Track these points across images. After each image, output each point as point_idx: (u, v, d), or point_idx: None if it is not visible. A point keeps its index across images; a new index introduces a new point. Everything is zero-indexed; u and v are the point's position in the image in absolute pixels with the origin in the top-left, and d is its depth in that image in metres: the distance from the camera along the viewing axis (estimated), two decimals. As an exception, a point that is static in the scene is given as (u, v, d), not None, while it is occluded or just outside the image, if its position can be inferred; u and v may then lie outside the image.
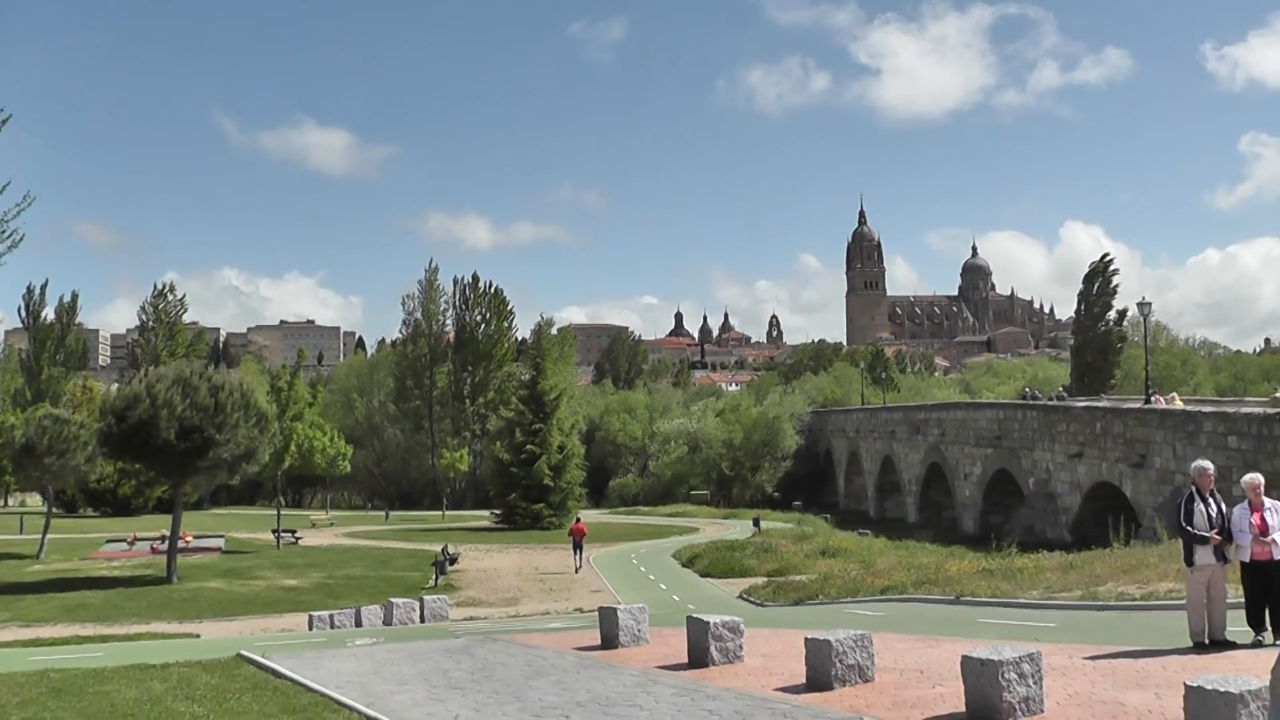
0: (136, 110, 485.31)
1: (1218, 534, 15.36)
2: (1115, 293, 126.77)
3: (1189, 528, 15.56)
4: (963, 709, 12.47)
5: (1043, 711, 12.11)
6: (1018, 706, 11.90)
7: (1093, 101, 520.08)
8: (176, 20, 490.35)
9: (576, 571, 61.45)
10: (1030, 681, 12.03)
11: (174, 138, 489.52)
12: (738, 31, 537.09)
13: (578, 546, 63.78)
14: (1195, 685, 9.43)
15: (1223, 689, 9.27)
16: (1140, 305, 65.24)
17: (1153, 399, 61.98)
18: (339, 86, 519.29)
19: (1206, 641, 15.39)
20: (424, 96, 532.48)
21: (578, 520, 70.86)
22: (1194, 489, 15.93)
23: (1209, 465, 16.19)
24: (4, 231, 49.06)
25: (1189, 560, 15.64)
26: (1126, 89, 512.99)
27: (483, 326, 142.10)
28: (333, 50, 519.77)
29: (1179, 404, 59.50)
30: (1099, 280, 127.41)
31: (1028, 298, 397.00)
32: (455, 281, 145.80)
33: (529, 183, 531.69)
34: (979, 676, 12.16)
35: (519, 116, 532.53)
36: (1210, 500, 15.69)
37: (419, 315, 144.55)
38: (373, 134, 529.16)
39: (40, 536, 71.04)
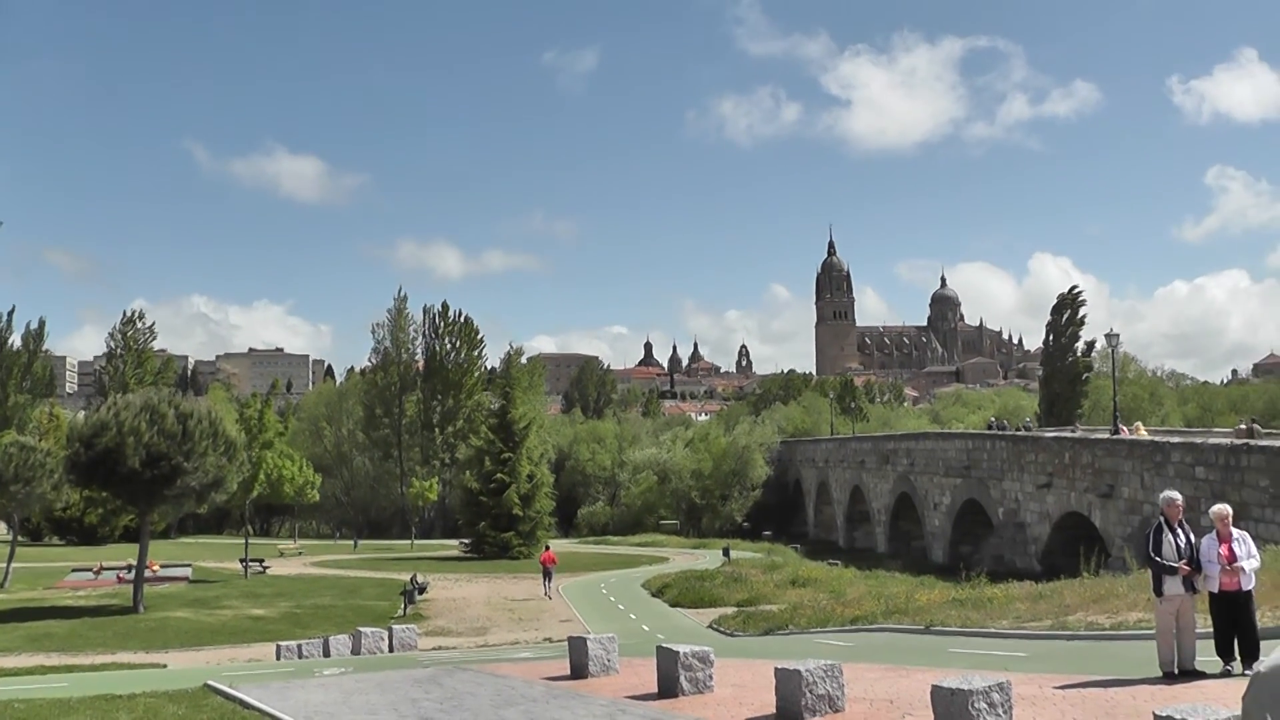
0: (108, 136, 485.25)
1: (1186, 564, 15.37)
2: (1083, 323, 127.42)
3: (1157, 558, 15.57)
4: (933, 739, 12.45)
5: (1013, 742, 12.10)
6: (988, 736, 11.88)
7: (1062, 134, 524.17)
8: (149, 47, 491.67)
9: (548, 598, 61.94)
10: (1000, 711, 12.02)
11: (145, 164, 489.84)
12: (710, 61, 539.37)
13: (547, 575, 64.87)
14: (1165, 715, 9.41)
15: (1191, 719, 9.27)
16: (1109, 336, 65.60)
17: (1119, 431, 62.19)
18: (311, 114, 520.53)
19: (1176, 671, 15.36)
20: (396, 124, 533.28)
21: (547, 548, 72.26)
22: (1163, 519, 15.96)
23: (1177, 496, 16.24)
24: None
25: (1158, 590, 15.67)
26: (1095, 121, 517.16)
27: (453, 355, 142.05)
28: (305, 78, 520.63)
29: (1144, 434, 59.81)
30: (1067, 311, 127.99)
31: (996, 328, 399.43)
32: (425, 310, 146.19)
33: (500, 211, 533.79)
34: (949, 706, 12.14)
35: (491, 145, 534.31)
36: (1179, 531, 15.71)
37: (388, 344, 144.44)
38: (344, 162, 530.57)
39: (4, 565, 70.52)
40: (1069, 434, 69.64)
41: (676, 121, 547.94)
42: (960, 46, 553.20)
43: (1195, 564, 15.36)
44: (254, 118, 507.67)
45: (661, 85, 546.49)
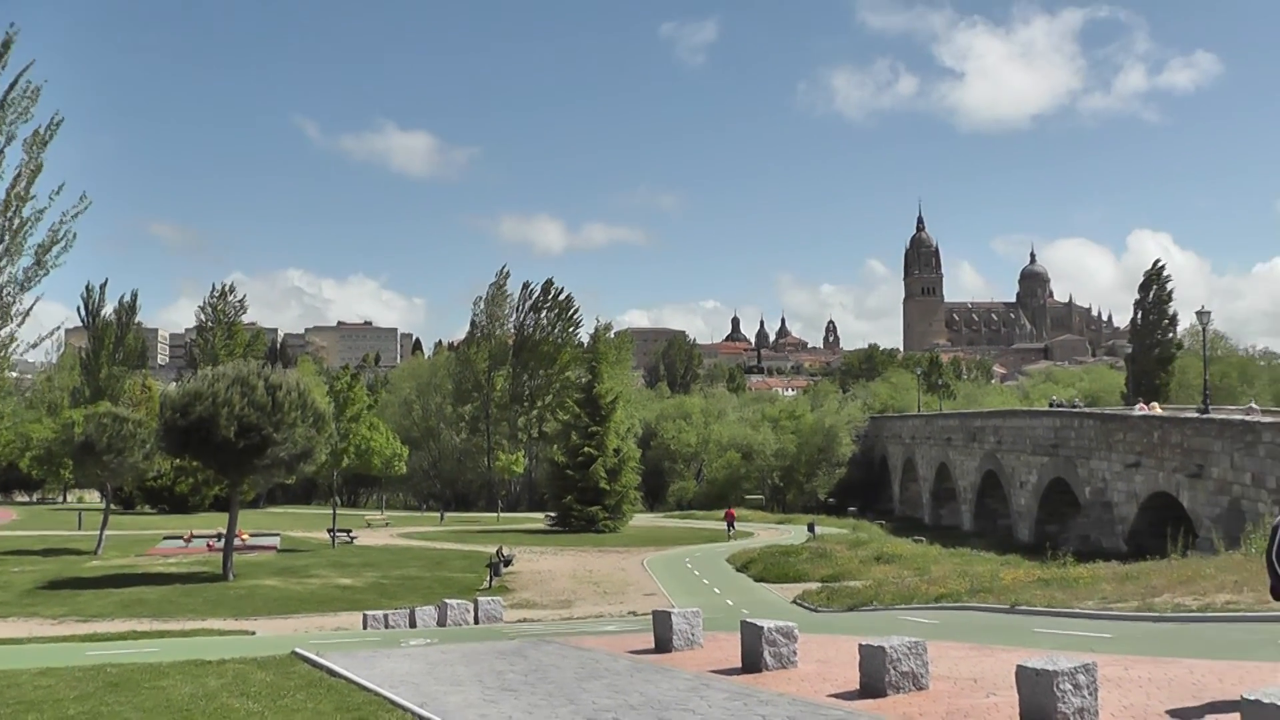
0: (221, 113, 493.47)
1: None
2: (1170, 300, 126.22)
3: (1275, 563, 13.35)
4: (1017, 719, 12.41)
5: (1097, 722, 12.03)
6: (1072, 717, 11.82)
7: (1179, 105, 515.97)
8: (261, 25, 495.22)
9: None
10: (1085, 693, 11.95)
11: (256, 140, 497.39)
12: (829, 33, 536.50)
13: (730, 524, 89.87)
14: (1253, 699, 9.33)
15: (1280, 702, 9.16)
16: (1199, 314, 64.74)
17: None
18: (424, 89, 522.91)
19: None
20: (509, 98, 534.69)
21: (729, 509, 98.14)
22: None
23: None
24: (60, 233, 49.87)
25: (1277, 596, 13.57)
26: (1213, 93, 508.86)
27: (550, 331, 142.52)
28: (418, 53, 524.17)
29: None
30: (1154, 288, 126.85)
31: (1086, 305, 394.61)
32: (524, 286, 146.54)
33: (605, 185, 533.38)
34: (1034, 687, 12.10)
35: (602, 118, 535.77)
36: None
37: (484, 319, 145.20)
38: (456, 136, 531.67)
39: (98, 533, 71.74)
40: (1156, 413, 68.79)
41: (788, 93, 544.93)
42: (1080, 17, 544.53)
43: None
44: (366, 94, 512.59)
45: (778, 57, 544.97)
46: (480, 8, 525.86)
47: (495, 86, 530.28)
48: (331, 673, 20.60)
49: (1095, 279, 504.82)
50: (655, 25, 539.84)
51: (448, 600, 41.29)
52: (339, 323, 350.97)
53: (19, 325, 50.42)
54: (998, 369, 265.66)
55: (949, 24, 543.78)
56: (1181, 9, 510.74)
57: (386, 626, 39.69)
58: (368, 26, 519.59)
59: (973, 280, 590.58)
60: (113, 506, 78.18)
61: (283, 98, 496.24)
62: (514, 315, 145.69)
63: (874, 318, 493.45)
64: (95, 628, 40.70)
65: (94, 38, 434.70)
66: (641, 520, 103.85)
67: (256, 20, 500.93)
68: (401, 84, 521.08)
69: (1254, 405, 66.98)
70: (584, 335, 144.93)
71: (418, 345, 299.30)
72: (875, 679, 15.05)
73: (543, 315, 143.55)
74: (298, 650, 24.43)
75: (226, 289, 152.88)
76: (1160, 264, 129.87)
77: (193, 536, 75.73)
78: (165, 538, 77.83)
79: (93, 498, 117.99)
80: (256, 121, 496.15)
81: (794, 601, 46.97)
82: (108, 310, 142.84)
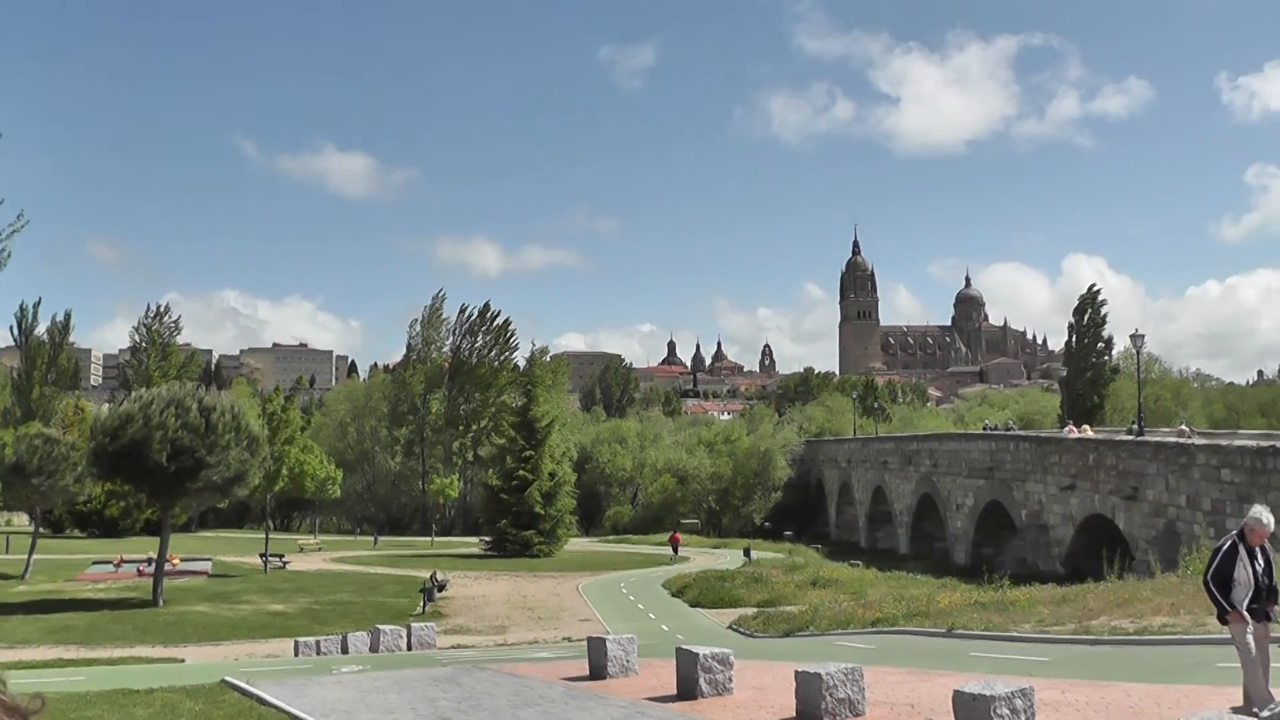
0: (158, 129, 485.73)
1: (1244, 608, 13.08)
2: (1104, 323, 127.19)
3: (1211, 588, 13.29)
4: (955, 745, 12.29)
5: (1036, 749, 11.93)
6: (1011, 744, 11.72)
7: (1112, 131, 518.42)
8: (201, 42, 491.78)
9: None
10: (1022, 717, 11.88)
11: (194, 159, 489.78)
12: (766, 58, 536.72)
13: (675, 548, 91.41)
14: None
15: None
16: (1133, 337, 65.35)
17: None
18: (361, 110, 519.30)
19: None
20: (447, 119, 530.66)
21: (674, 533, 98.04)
22: (1236, 538, 13.44)
23: (1269, 519, 13.52)
24: (-1, 250, 49.22)
25: (1222, 618, 13.37)
26: (1146, 119, 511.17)
27: (486, 355, 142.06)
28: (356, 73, 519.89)
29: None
30: (1088, 311, 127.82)
31: (1021, 329, 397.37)
32: (461, 310, 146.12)
33: (543, 207, 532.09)
34: (971, 712, 12.00)
35: (540, 141, 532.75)
36: (1259, 556, 13.32)
37: (419, 341, 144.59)
38: (393, 157, 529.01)
39: (26, 557, 70.82)
40: (1091, 436, 69.26)
41: (725, 117, 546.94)
42: (1015, 44, 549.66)
43: (1273, 593, 13.29)
44: (304, 115, 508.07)
45: (715, 81, 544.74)
46: (421, 30, 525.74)
47: (434, 108, 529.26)
48: (262, 701, 20.32)
49: (1030, 303, 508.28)
50: (594, 48, 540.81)
51: (380, 626, 41.07)
52: (274, 344, 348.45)
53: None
54: (933, 392, 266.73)
55: (885, 50, 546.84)
56: (1114, 36, 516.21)
57: (318, 653, 39.44)
58: (308, 46, 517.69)
59: (909, 304, 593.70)
60: (41, 530, 77.16)
61: (222, 117, 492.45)
62: (450, 338, 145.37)
63: (810, 341, 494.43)
64: (21, 655, 40.18)
65: (32, 53, 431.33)
66: (577, 545, 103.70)
67: (196, 39, 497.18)
68: (341, 104, 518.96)
69: (1185, 427, 67.54)
70: (520, 359, 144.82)
71: (353, 368, 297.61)
72: (812, 706, 14.93)
73: (479, 338, 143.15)
74: (228, 679, 24.13)
75: (161, 309, 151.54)
76: (1095, 288, 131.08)
77: (123, 561, 74.92)
78: (94, 562, 77.10)
79: (21, 520, 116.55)
80: (195, 140, 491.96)
81: (730, 627, 46.91)
82: (41, 330, 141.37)
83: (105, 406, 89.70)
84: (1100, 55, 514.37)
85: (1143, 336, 64.91)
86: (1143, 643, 22.45)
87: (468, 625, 51.75)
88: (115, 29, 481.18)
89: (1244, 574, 13.19)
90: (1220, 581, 13.20)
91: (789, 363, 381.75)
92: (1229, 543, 13.46)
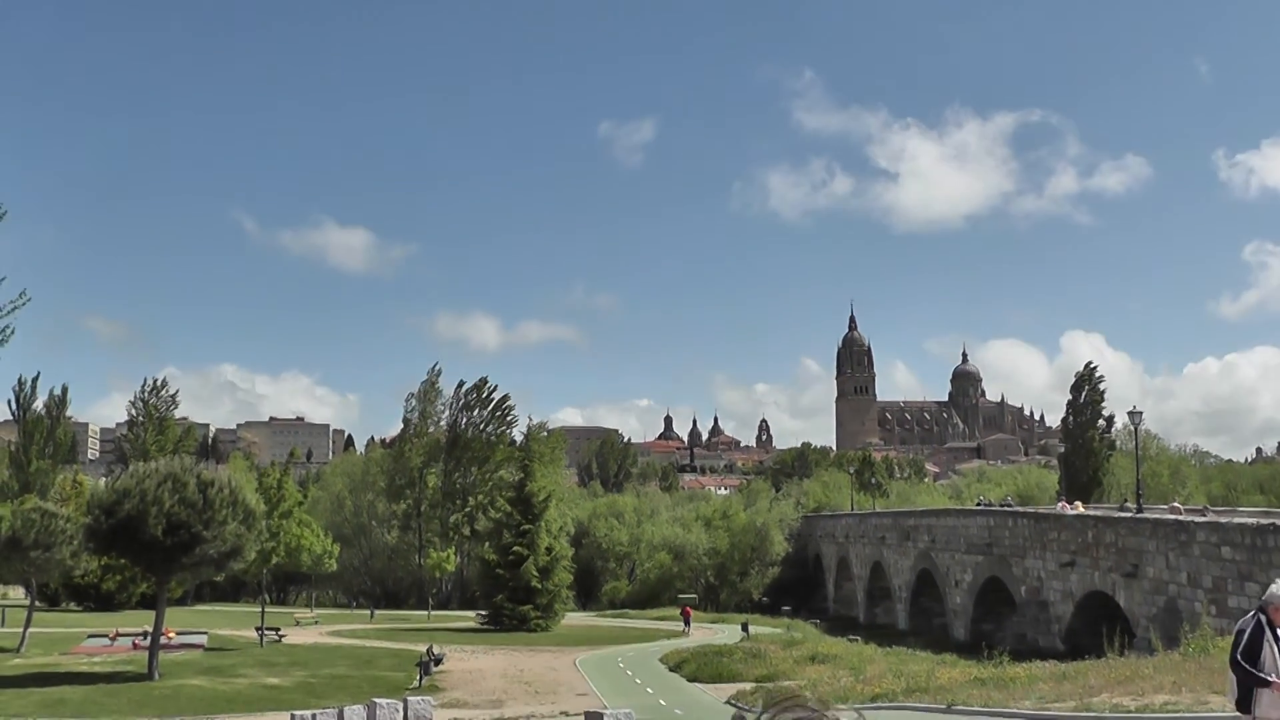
0: (158, 207, 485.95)
1: None
2: (1103, 400, 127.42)
3: (1245, 666, 12.77)
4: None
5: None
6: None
7: (1110, 208, 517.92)
8: (201, 117, 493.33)
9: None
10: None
11: (193, 234, 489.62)
12: (765, 133, 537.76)
13: (686, 620, 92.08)
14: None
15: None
16: (1131, 414, 65.52)
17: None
18: (361, 186, 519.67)
19: None
20: (447, 195, 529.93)
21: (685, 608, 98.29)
22: (1263, 618, 12.98)
23: None
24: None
25: (1244, 706, 12.94)
26: (1144, 195, 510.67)
27: (483, 429, 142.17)
28: (357, 148, 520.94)
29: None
30: (1086, 388, 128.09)
31: (1018, 405, 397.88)
32: (458, 385, 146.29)
33: (541, 283, 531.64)
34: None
35: (539, 217, 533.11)
36: None
37: (416, 416, 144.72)
38: (393, 233, 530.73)
39: (21, 630, 70.52)
40: (1091, 512, 69.25)
41: (724, 192, 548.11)
42: (1012, 120, 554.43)
43: None
44: (304, 189, 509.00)
45: (714, 156, 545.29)
46: (421, 105, 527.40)
47: (434, 183, 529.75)
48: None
49: (1028, 379, 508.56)
50: (594, 124, 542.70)
51: (376, 700, 40.78)
52: (271, 418, 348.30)
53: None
54: (931, 468, 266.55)
55: (884, 126, 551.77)
56: (1111, 113, 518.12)
57: (314, 727, 39.11)
58: (308, 121, 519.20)
59: (906, 379, 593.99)
60: (37, 603, 76.88)
61: (222, 192, 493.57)
62: (447, 412, 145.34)
63: (807, 416, 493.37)
64: (15, 729, 39.93)
65: (31, 130, 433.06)
66: (574, 619, 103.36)
67: (196, 114, 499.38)
68: (341, 180, 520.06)
69: (1177, 504, 67.68)
70: (517, 434, 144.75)
71: (350, 442, 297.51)
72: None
73: (476, 413, 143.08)
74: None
75: (158, 383, 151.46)
76: (1092, 365, 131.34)
77: (118, 635, 74.46)
78: (90, 635, 76.54)
79: (17, 594, 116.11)
80: (195, 215, 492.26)
81: (727, 702, 46.79)
82: (38, 404, 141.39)
83: (102, 480, 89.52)
84: (1098, 132, 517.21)
85: (1141, 413, 65.15)
86: (1145, 720, 22.36)
87: (464, 699, 51.44)
88: (114, 105, 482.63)
89: (1269, 654, 12.74)
90: (1251, 660, 12.75)
91: (786, 438, 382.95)
92: (1255, 621, 13.03)
